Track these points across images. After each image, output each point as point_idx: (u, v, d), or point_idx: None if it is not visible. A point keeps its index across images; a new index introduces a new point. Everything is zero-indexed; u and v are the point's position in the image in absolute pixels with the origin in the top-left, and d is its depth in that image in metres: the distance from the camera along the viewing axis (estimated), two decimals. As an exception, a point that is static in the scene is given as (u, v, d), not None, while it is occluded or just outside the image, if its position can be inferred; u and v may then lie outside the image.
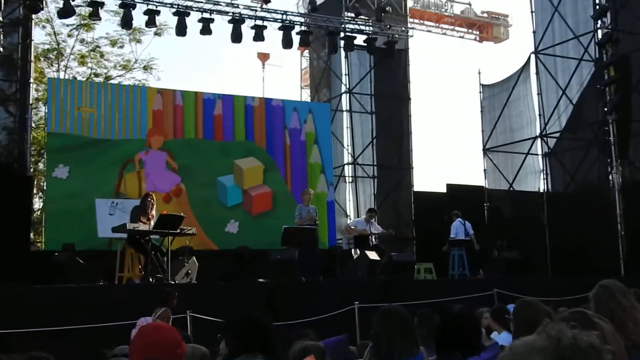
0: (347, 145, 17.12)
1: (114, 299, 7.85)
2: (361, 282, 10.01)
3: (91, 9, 13.09)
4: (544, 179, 15.52)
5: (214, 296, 8.23)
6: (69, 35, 19.00)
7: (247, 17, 14.11)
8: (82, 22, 18.15)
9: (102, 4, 12.96)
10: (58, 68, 19.01)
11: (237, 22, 13.96)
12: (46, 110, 13.29)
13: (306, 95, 20.23)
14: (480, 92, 16.90)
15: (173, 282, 8.61)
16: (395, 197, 16.68)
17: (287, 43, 14.72)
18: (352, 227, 12.47)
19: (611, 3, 14.51)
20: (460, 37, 18.00)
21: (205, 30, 13.90)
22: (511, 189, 16.00)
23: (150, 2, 13.30)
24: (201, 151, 13.23)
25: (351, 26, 15.65)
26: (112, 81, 18.89)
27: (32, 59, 12.83)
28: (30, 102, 12.92)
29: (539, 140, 15.56)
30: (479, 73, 16.89)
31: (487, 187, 16.38)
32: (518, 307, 3.65)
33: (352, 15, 15.89)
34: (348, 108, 17.01)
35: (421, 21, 24.30)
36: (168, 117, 13.10)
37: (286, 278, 9.17)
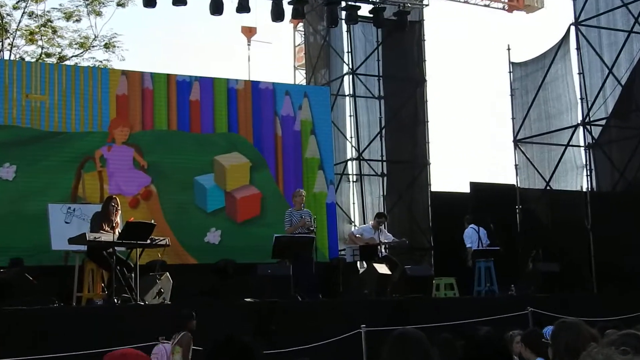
0: (351, 137, 17.10)
1: (73, 324, 7.87)
2: (369, 302, 10.05)
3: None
4: (587, 175, 15.57)
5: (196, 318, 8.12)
6: (15, 8, 18.87)
7: (229, -17, 14.14)
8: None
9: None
10: (2, 47, 18.92)
11: (217, -12, 13.99)
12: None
13: (301, 78, 20.17)
14: (510, 72, 16.93)
15: (142, 303, 8.65)
16: (409, 198, 16.68)
17: (277, 15, 14.68)
18: (357, 236, 12.51)
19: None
20: (485, 5, 17.98)
21: (179, 0, 13.90)
22: (548, 187, 16.05)
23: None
24: (175, 145, 13.23)
25: (354, -7, 15.59)
26: (67, 62, 18.83)
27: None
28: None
29: (580, 129, 15.61)
30: (509, 49, 16.93)
31: (518, 185, 16.42)
32: (557, 330, 3.67)
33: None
34: (351, 92, 16.98)
35: (438, -13, 24.27)
36: (135, 105, 13.06)
37: (279, 297, 9.19)
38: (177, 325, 7.26)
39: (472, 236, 12.48)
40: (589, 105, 15.30)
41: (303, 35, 19.54)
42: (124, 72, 13.38)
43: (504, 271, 12.43)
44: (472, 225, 12.60)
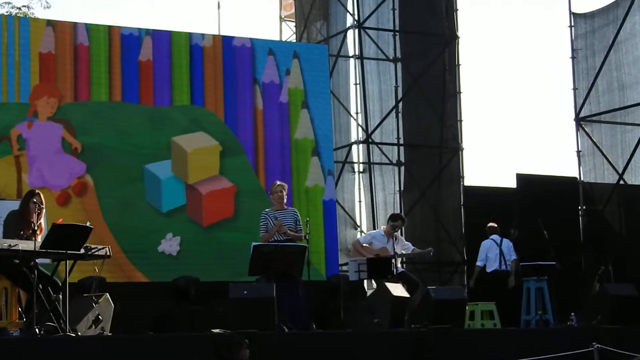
0: (357, 113, 17.17)
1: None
2: (379, 335, 9.83)
3: None
4: (675, 166, 15.82)
5: (141, 358, 8.19)
6: None
7: None
8: None
9: None
10: None
11: None
12: None
13: (289, 33, 20.35)
14: (570, 27, 16.98)
15: (74, 335, 8.55)
16: (434, 195, 16.78)
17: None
18: (364, 245, 12.35)
19: None
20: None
21: None
22: (622, 181, 16.12)
23: None
24: (119, 122, 13.17)
25: None
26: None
27: None
28: None
29: (666, 103, 15.87)
30: (569, -4, 17.10)
31: (582, 179, 16.51)
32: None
33: None
34: (357, 52, 16.93)
35: None
36: (65, 67, 13.02)
37: (258, 327, 8.95)
38: (224, 357, 7.51)
39: (489, 250, 12.95)
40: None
41: (292, -25, 19.72)
42: (50, 23, 13.29)
43: (561, 294, 12.43)
44: (493, 237, 13.04)
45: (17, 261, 8.61)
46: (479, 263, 13.02)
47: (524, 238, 13.00)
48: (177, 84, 13.62)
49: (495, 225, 13.14)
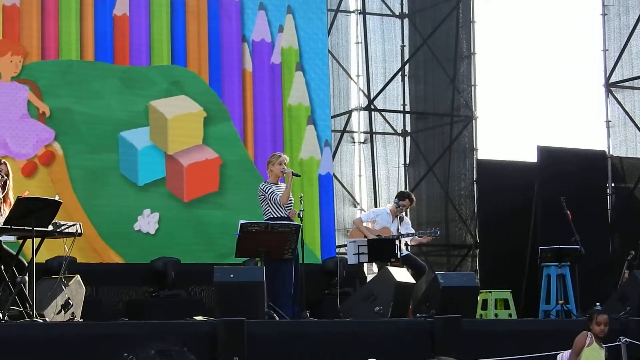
0: (357, 75, 17.16)
1: None
2: (380, 325, 9.93)
3: None
4: None
5: (114, 346, 8.07)
6: None
7: None
8: None
9: None
10: None
11: None
12: None
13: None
14: None
15: (41, 320, 8.63)
16: (443, 170, 16.81)
17: None
18: (366, 223, 12.43)
19: None
20: None
21: None
22: None
23: None
24: (90, 83, 13.22)
25: None
26: None
27: None
28: None
29: None
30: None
31: (611, 152, 16.49)
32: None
33: None
34: (359, 7, 17.05)
35: None
36: (31, 23, 13.11)
37: (245, 315, 9.01)
38: None
39: None
40: None
41: None
42: (13, -30, 13.14)
43: (585, 282, 12.49)
44: None
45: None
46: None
47: (543, 219, 13.01)
48: (156, 41, 13.64)
49: None
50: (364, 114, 17.08)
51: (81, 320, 9.29)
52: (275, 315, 9.76)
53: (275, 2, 14.83)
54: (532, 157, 15.66)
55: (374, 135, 16.97)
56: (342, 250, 14.97)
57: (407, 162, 16.94)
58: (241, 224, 10.13)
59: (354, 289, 12.18)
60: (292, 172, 10.87)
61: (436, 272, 11.73)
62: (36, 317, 8.59)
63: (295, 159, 13.66)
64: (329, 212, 14.45)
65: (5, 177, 9.22)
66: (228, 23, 14.03)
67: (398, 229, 12.05)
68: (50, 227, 8.96)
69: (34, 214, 8.73)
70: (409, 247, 12.34)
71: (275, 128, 14.19)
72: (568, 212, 12.66)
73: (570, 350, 8.80)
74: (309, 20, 14.63)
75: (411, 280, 10.87)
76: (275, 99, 14.22)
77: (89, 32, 13.31)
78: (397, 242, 11.81)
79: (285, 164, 11.01)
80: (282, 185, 10.97)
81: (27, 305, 8.71)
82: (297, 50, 14.41)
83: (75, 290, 9.53)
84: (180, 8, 13.84)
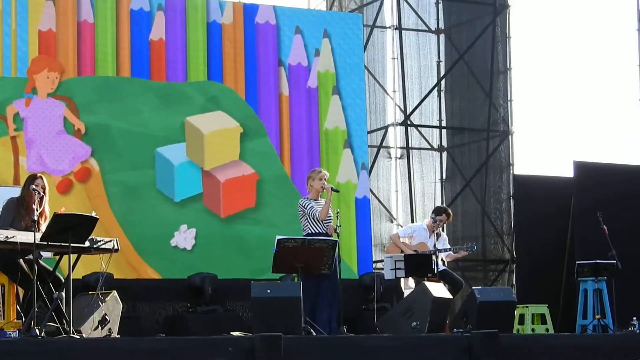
0: (394, 91, 17.08)
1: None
2: (417, 340, 9.82)
3: None
4: None
5: None
6: None
7: None
8: None
9: None
10: None
11: None
12: None
13: (319, 0, 20.07)
14: None
15: (78, 336, 8.61)
16: (480, 185, 16.75)
17: None
18: (403, 239, 12.45)
19: None
20: None
21: None
22: None
23: None
24: (127, 99, 13.26)
25: None
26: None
27: None
28: None
29: None
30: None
31: None
32: None
33: None
34: (395, 23, 16.95)
35: None
36: (67, 45, 13.16)
37: (282, 330, 8.90)
38: None
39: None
40: None
41: None
42: (51, -1, 13.27)
43: (623, 296, 12.41)
44: None
45: (16, 254, 8.67)
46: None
47: (580, 233, 12.98)
48: (192, 58, 13.65)
49: None
50: (400, 130, 17.02)
51: (118, 336, 9.25)
52: (312, 330, 9.69)
53: (311, 26, 14.82)
54: (568, 172, 15.55)
55: (410, 151, 16.94)
56: (379, 265, 14.96)
57: (444, 177, 16.93)
58: (278, 239, 10.06)
59: (391, 305, 12.23)
60: (332, 188, 10.81)
61: (473, 287, 11.68)
62: (73, 333, 8.56)
63: (332, 183, 13.25)
64: (366, 231, 14.42)
65: (42, 193, 9.13)
66: (264, 47, 14.04)
67: (435, 245, 12.04)
68: (87, 243, 8.93)
69: (71, 230, 8.71)
70: (446, 263, 12.36)
71: (312, 150, 14.18)
72: (605, 226, 12.57)
73: None
74: (345, 42, 14.60)
75: (448, 295, 10.86)
76: (312, 122, 14.20)
77: (126, 53, 13.37)
78: (434, 257, 11.80)
79: (325, 179, 10.95)
80: (322, 201, 10.93)
81: (64, 322, 8.66)
82: (334, 73, 14.39)
83: (112, 306, 9.56)
84: (217, 32, 13.87)
